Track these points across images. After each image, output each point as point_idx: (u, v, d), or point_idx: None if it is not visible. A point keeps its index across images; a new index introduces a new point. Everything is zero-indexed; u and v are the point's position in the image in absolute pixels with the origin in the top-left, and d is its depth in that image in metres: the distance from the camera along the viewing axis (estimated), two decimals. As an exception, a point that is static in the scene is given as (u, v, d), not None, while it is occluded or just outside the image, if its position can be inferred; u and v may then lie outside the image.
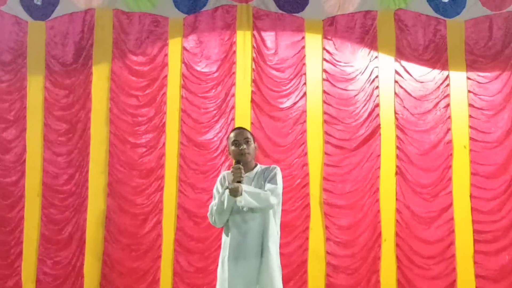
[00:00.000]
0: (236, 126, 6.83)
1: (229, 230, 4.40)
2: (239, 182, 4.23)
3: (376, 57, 7.79)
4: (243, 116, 7.65)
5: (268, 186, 4.33)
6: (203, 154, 7.58)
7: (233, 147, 4.40)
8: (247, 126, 7.31)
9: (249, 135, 4.47)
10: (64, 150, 7.67)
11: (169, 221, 7.51)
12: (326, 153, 7.63)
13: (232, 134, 4.49)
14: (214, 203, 4.41)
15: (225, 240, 4.42)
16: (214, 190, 4.50)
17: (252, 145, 4.44)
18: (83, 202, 7.58)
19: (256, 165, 4.49)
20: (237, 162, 4.32)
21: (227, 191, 4.23)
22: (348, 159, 7.61)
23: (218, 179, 4.53)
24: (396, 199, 7.57)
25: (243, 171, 4.27)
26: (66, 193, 7.60)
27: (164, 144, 7.63)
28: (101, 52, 7.83)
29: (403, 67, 7.80)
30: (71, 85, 7.78)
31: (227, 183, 4.35)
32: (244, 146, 4.33)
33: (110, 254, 7.47)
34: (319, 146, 7.68)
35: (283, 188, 7.13)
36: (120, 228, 7.49)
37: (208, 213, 4.46)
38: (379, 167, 7.61)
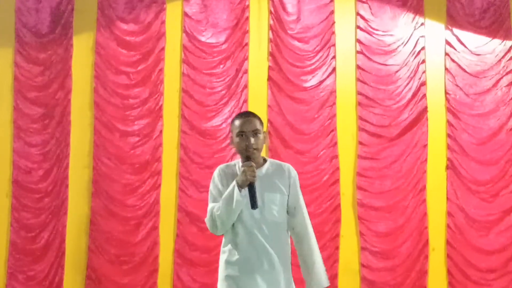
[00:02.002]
0: (250, 109, 6.99)
1: (236, 238, 4.18)
2: (252, 183, 3.98)
3: (422, 24, 7.69)
4: (258, 98, 7.59)
5: (299, 224, 4.28)
6: (209, 145, 7.53)
7: (237, 139, 4.16)
8: (263, 109, 7.46)
9: (258, 125, 4.19)
10: (38, 140, 7.64)
11: (168, 226, 7.45)
12: (360, 143, 7.56)
13: (237, 122, 4.21)
14: (214, 205, 4.16)
15: (230, 250, 4.19)
16: (212, 189, 4.25)
17: (261, 137, 4.19)
18: (62, 203, 7.53)
19: (265, 161, 4.28)
20: (247, 158, 4.08)
21: (236, 189, 3.99)
22: (387, 150, 7.52)
23: (216, 174, 4.27)
24: (447, 199, 7.47)
25: (255, 169, 4.03)
26: (41, 193, 7.55)
27: (161, 132, 7.59)
28: (83, 19, 7.77)
29: (456, 36, 7.67)
30: (47, 60, 7.73)
31: (234, 183, 4.04)
32: (252, 140, 4.11)
33: (96, 267, 7.40)
34: (351, 135, 7.59)
35: (308, 187, 7.04)
36: (108, 236, 7.42)
37: (207, 218, 4.18)
38: (425, 160, 7.49)
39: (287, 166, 4.28)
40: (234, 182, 4.01)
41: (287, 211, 4.20)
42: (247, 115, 4.28)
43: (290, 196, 4.19)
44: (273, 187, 4.16)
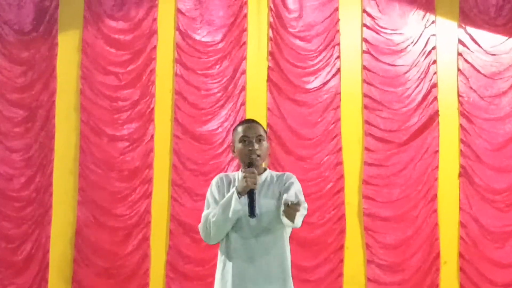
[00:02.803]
0: (248, 113, 7.21)
1: (229, 248, 4.14)
2: (252, 190, 3.95)
3: (433, 22, 7.74)
4: (256, 100, 7.62)
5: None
6: (203, 150, 7.56)
7: (240, 145, 4.14)
8: (262, 113, 7.50)
9: (262, 132, 4.21)
10: (20, 145, 7.63)
11: (159, 237, 7.47)
12: (366, 149, 7.60)
13: (240, 128, 4.21)
14: (210, 211, 4.14)
15: (224, 260, 4.15)
16: (208, 196, 4.23)
17: (265, 144, 4.19)
18: (46, 212, 7.52)
19: (265, 170, 4.29)
20: (250, 164, 4.05)
21: (235, 196, 3.96)
22: (395, 157, 7.57)
23: (214, 182, 4.26)
24: (460, 208, 7.52)
25: (257, 176, 4.00)
26: (23, 201, 7.55)
27: (152, 136, 7.62)
28: (69, 15, 7.78)
29: (469, 35, 7.72)
30: (30, 59, 7.75)
31: (234, 189, 4.03)
32: (256, 146, 4.09)
33: (82, 281, 7.41)
34: (357, 140, 7.62)
35: (311, 195, 7.03)
36: (95, 247, 7.43)
37: (201, 225, 4.14)
38: (437, 167, 7.55)
39: (287, 173, 4.28)
40: (233, 189, 3.99)
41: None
42: (250, 121, 4.32)
43: (287, 190, 4.12)
44: (271, 194, 4.13)
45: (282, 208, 3.82)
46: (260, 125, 4.21)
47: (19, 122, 7.62)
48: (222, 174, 4.29)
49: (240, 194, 3.92)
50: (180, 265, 7.37)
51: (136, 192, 7.46)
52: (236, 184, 4.04)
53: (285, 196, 3.92)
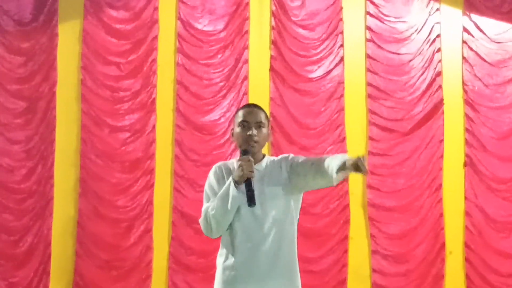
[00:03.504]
0: (251, 101, 7.01)
1: (233, 240, 4.07)
2: (249, 179, 3.89)
3: (437, 9, 7.79)
4: (259, 89, 7.62)
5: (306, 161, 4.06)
6: (206, 141, 7.57)
7: (238, 129, 4.09)
8: (265, 102, 7.45)
9: (263, 118, 4.13)
10: (21, 136, 7.62)
11: (162, 229, 7.47)
12: (370, 138, 7.63)
13: (240, 112, 4.17)
14: (209, 205, 4.08)
15: (226, 253, 4.08)
16: (207, 188, 4.18)
17: (265, 131, 4.12)
18: (47, 204, 7.51)
19: (263, 156, 4.22)
20: (245, 151, 4.00)
21: (232, 186, 3.92)
22: (400, 146, 7.60)
23: (212, 172, 4.20)
24: (465, 198, 7.57)
25: (253, 164, 3.95)
26: (24, 193, 7.53)
27: (154, 127, 7.62)
28: (69, 5, 7.75)
29: (474, 22, 7.77)
30: (30, 50, 7.72)
31: (231, 178, 3.98)
32: (254, 132, 4.03)
33: (84, 274, 7.40)
34: (361, 129, 7.66)
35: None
36: (97, 239, 7.42)
37: (201, 219, 4.09)
38: (441, 156, 7.58)
39: (282, 155, 4.21)
40: (230, 179, 3.95)
41: (293, 175, 4.08)
42: (252, 106, 4.26)
43: (288, 167, 4.09)
44: (274, 180, 4.07)
45: (351, 161, 3.63)
46: (263, 110, 4.16)
47: (20, 113, 7.62)
48: (219, 164, 4.23)
49: (237, 183, 3.88)
50: (182, 256, 7.39)
51: (138, 183, 7.47)
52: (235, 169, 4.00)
53: (343, 158, 3.73)
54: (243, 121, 4.06)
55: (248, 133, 4.00)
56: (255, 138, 4.00)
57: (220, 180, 4.08)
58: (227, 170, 4.10)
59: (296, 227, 4.13)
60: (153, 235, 7.43)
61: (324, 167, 3.79)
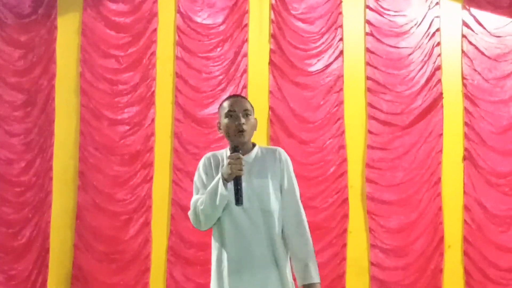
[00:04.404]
0: (250, 96, 7.17)
1: (223, 233, 4.07)
2: (238, 177, 3.88)
3: (437, 3, 7.75)
4: (258, 83, 7.64)
5: (289, 210, 4.09)
6: (205, 134, 7.59)
7: (226, 120, 4.06)
8: (264, 96, 7.56)
9: (249, 106, 4.16)
10: (20, 129, 7.66)
11: (160, 222, 7.48)
12: (370, 132, 7.63)
13: (225, 103, 4.16)
14: (198, 198, 4.08)
15: (218, 247, 4.10)
16: (196, 180, 4.18)
17: (252, 119, 4.15)
18: (46, 197, 7.53)
19: (253, 146, 4.22)
20: (235, 148, 3.97)
21: (220, 181, 3.90)
22: (399, 140, 7.59)
23: (201, 164, 4.19)
24: (464, 192, 7.53)
25: (243, 161, 3.92)
26: (23, 186, 7.57)
27: (153, 120, 7.64)
28: None
29: (473, 16, 7.72)
30: (29, 42, 7.74)
31: (220, 176, 3.95)
32: (242, 121, 4.03)
33: (82, 266, 7.42)
34: (360, 123, 7.64)
35: (313, 179, 7.15)
36: (95, 232, 7.45)
37: (190, 212, 4.12)
38: (441, 150, 7.55)
39: (278, 149, 4.21)
40: (219, 175, 3.93)
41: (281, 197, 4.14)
42: (236, 96, 4.32)
43: (283, 180, 4.10)
44: (263, 172, 4.09)
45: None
46: (247, 99, 4.19)
47: (19, 106, 7.64)
48: (209, 154, 4.20)
49: (226, 180, 3.87)
50: (181, 250, 7.39)
51: (137, 177, 7.48)
52: (224, 165, 3.96)
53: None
54: (229, 111, 4.04)
55: (236, 123, 3.99)
56: (244, 127, 4.00)
57: (209, 172, 4.08)
58: (216, 161, 4.10)
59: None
60: (151, 228, 7.44)
61: (295, 261, 3.93)
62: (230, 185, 3.84)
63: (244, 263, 3.95)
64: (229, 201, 3.91)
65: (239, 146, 3.94)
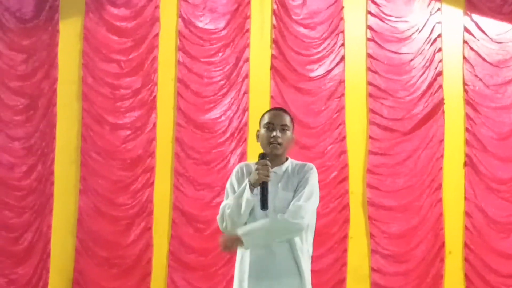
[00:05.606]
0: (251, 101, 7.24)
1: None
2: (265, 183, 3.97)
3: (438, 9, 7.74)
4: (260, 88, 7.61)
5: (292, 206, 4.06)
6: (206, 139, 7.56)
7: (263, 131, 4.18)
8: (266, 101, 7.50)
9: (288, 121, 4.24)
10: (22, 133, 7.61)
11: (162, 227, 7.47)
12: (371, 137, 7.60)
13: (266, 115, 4.27)
14: (227, 203, 4.19)
15: (242, 252, 4.16)
16: (228, 187, 4.28)
17: (289, 135, 4.22)
18: (47, 201, 7.51)
19: (287, 159, 4.29)
20: (263, 155, 4.07)
21: (247, 188, 4.00)
22: (400, 146, 7.57)
23: (234, 172, 4.31)
24: (465, 198, 7.53)
25: (270, 168, 4.00)
26: (24, 190, 7.53)
27: (154, 125, 7.61)
28: (70, 2, 7.74)
29: (475, 22, 7.72)
30: (31, 47, 7.70)
31: (247, 181, 4.06)
32: (278, 134, 4.12)
33: (83, 271, 7.39)
34: (361, 128, 7.63)
35: None
36: (96, 237, 7.42)
37: (219, 216, 4.21)
38: (442, 156, 7.54)
39: (308, 164, 4.26)
40: (246, 180, 4.02)
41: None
42: (279, 109, 4.36)
43: (299, 183, 4.12)
44: (290, 186, 4.14)
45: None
46: (289, 114, 4.23)
47: (20, 110, 7.60)
48: (242, 163, 4.33)
49: (253, 186, 3.94)
50: (182, 255, 7.36)
51: (138, 181, 7.45)
52: (252, 172, 4.02)
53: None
54: (268, 123, 4.12)
55: (272, 135, 4.06)
56: (279, 140, 4.07)
57: (240, 180, 4.16)
58: (248, 170, 4.18)
59: (310, 229, 4.17)
60: (153, 233, 7.41)
61: None
62: (257, 190, 3.90)
63: (264, 268, 4.00)
64: (254, 208, 3.99)
65: (269, 155, 4.00)
